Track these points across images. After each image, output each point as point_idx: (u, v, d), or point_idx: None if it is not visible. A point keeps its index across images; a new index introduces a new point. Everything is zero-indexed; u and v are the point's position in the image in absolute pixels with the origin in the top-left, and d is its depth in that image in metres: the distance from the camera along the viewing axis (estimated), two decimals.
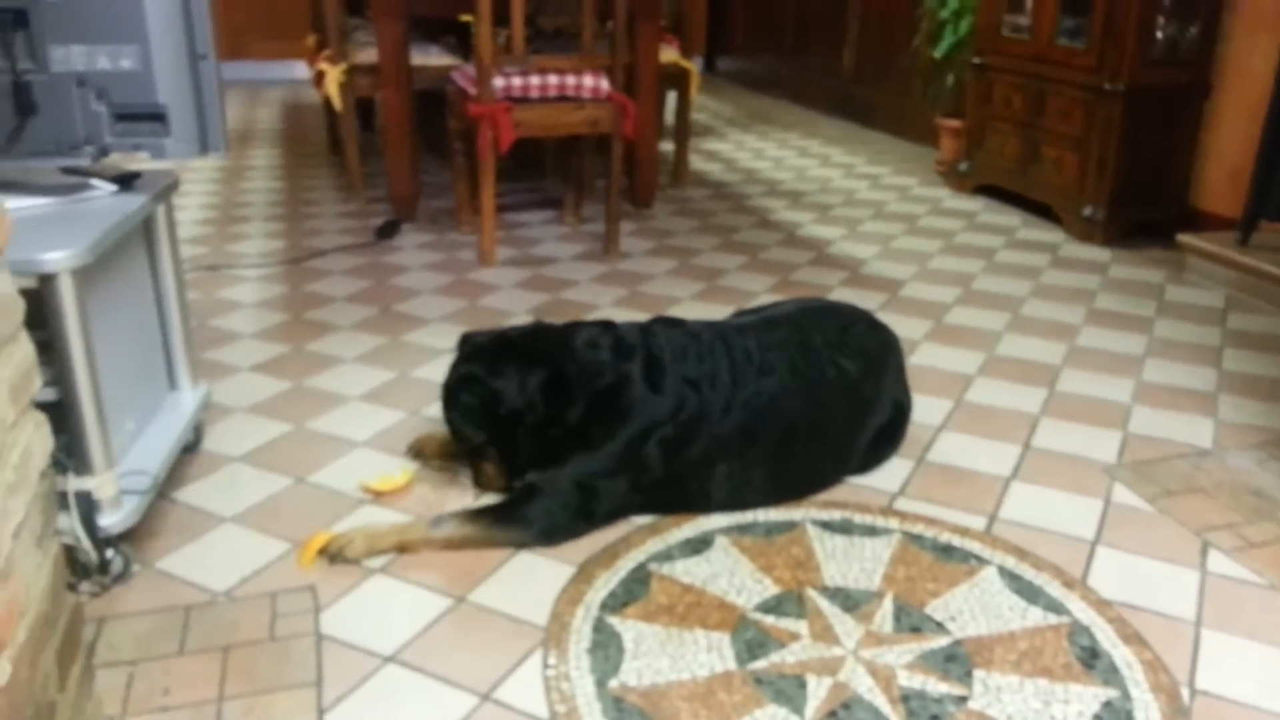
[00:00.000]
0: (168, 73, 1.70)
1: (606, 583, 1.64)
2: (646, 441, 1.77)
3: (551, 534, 1.73)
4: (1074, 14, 3.64)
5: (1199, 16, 3.47)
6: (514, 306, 2.87)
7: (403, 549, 1.69)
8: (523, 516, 1.73)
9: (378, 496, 1.87)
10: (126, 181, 1.75)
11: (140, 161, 1.79)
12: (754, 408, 1.83)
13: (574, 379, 1.77)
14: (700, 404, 1.80)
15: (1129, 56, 3.40)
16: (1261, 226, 3.12)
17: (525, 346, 1.82)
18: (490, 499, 1.86)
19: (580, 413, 1.76)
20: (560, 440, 1.76)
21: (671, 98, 4.23)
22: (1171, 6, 3.46)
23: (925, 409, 2.26)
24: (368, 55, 3.65)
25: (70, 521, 1.47)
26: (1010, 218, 3.88)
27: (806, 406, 1.87)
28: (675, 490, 1.82)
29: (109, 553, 1.56)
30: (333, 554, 1.66)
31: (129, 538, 1.63)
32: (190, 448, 1.98)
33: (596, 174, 3.85)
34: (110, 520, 1.55)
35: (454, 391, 1.81)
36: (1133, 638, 1.55)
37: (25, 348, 1.26)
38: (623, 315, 2.79)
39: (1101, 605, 1.63)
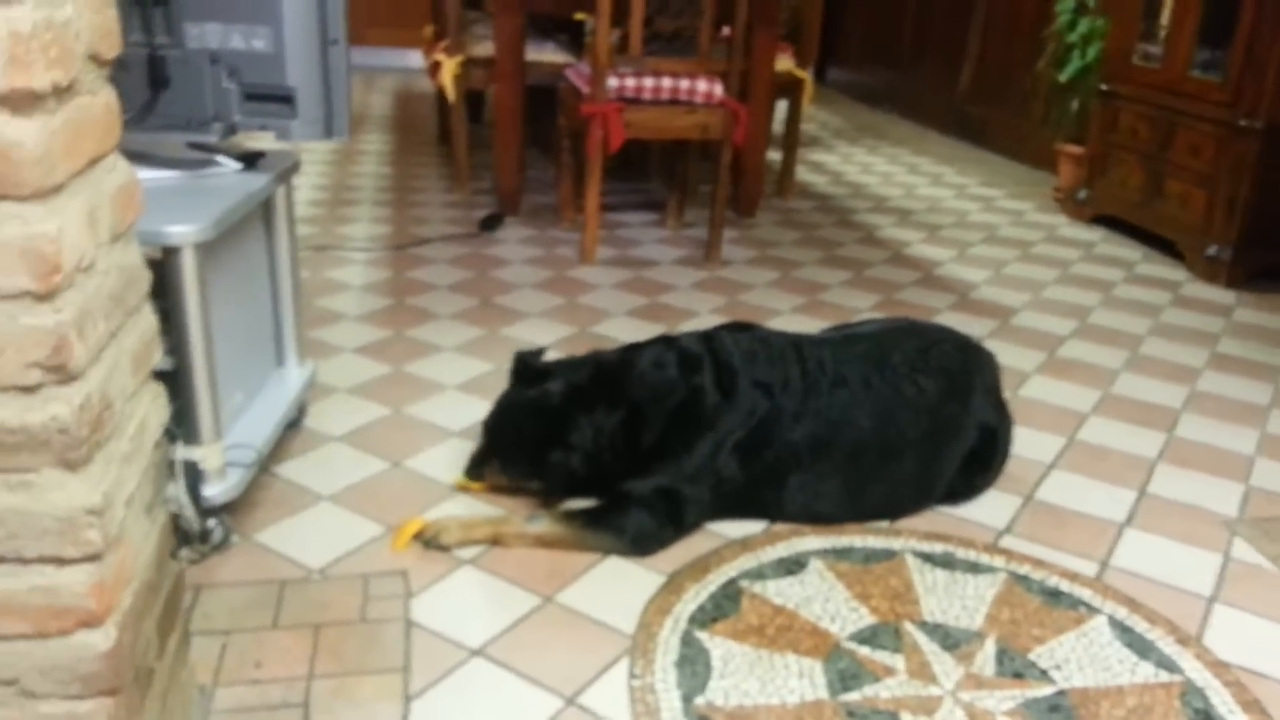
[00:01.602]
0: (298, 56, 1.72)
1: (696, 596, 1.60)
2: (724, 446, 1.75)
3: (642, 542, 1.71)
4: (1211, 46, 3.48)
5: None
6: (612, 307, 2.85)
7: (496, 541, 1.69)
8: (615, 523, 1.71)
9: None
10: (251, 160, 1.78)
11: (265, 141, 1.82)
12: (825, 418, 1.79)
13: (648, 407, 1.75)
14: (772, 407, 1.77)
15: (1269, 93, 3.23)
16: None
17: (598, 388, 1.78)
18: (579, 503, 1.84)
19: (658, 433, 1.74)
20: (641, 458, 1.75)
21: (781, 107, 4.18)
22: None
23: (1036, 445, 2.18)
24: (483, 49, 3.68)
25: (176, 490, 1.49)
26: (1130, 251, 3.72)
27: (879, 422, 1.81)
28: (751, 497, 1.79)
29: (210, 522, 1.59)
30: (427, 540, 1.66)
31: (229, 509, 1.65)
32: (293, 424, 2.01)
33: (700, 179, 3.81)
34: (214, 491, 1.58)
35: (536, 447, 1.77)
36: (1252, 705, 1.46)
37: (149, 319, 1.28)
38: (720, 322, 2.75)
39: (1218, 667, 1.54)
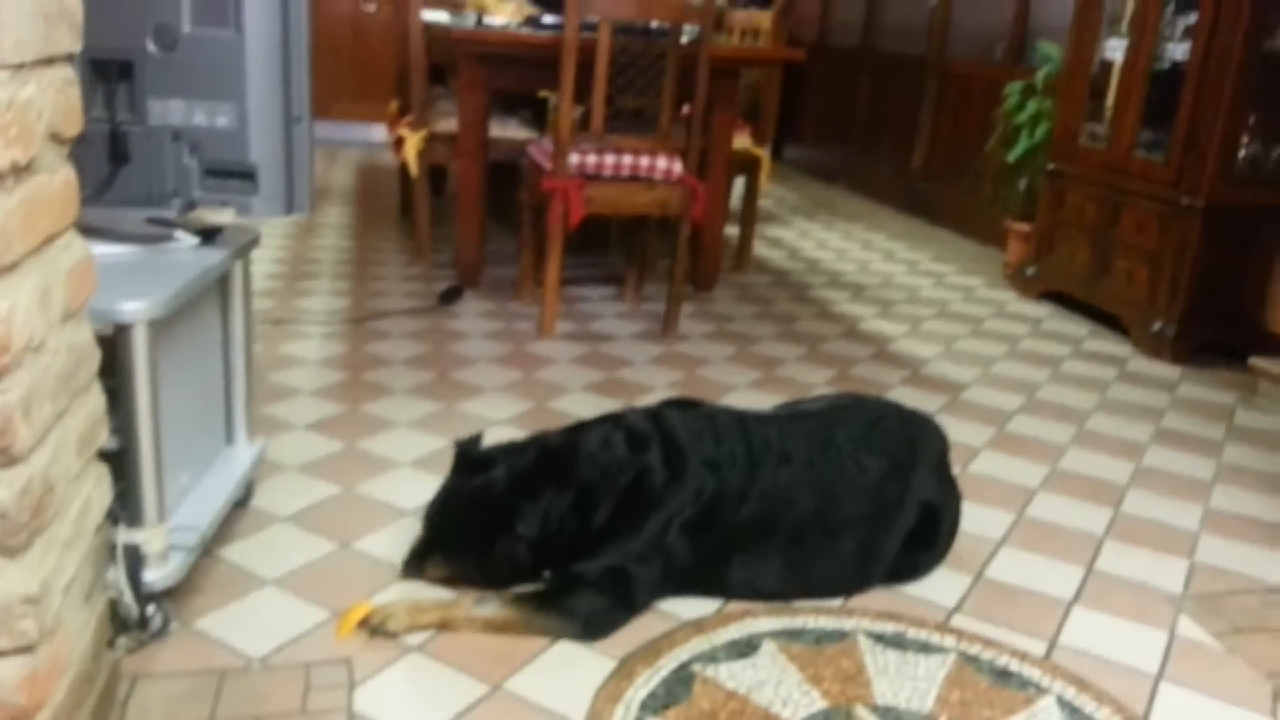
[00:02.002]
0: (262, 132, 1.74)
1: (648, 681, 1.59)
2: (672, 525, 1.75)
3: (594, 625, 1.69)
4: (1154, 127, 3.61)
5: None
6: (570, 382, 2.86)
7: (444, 626, 1.66)
8: (566, 606, 1.70)
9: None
10: (209, 235, 1.79)
11: (225, 216, 1.82)
12: (770, 497, 1.80)
13: (597, 488, 1.74)
14: (720, 485, 1.78)
15: (1210, 173, 3.36)
16: None
17: (539, 474, 1.77)
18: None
19: (606, 513, 1.74)
20: (590, 538, 1.74)
21: (740, 183, 4.26)
22: (1257, 126, 3.42)
23: (985, 521, 2.20)
24: (447, 124, 3.73)
25: (116, 575, 1.46)
26: (1077, 327, 3.81)
27: (822, 502, 1.83)
28: (698, 575, 1.80)
29: (150, 609, 1.55)
30: (373, 626, 1.63)
31: (170, 594, 1.62)
32: (241, 503, 1.98)
33: (659, 253, 3.87)
34: (156, 576, 1.55)
35: (481, 537, 1.75)
36: None
37: (97, 398, 1.27)
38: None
39: None
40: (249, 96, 1.71)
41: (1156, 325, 3.50)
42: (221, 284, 1.89)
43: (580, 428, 1.87)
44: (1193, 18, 3.44)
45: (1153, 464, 2.61)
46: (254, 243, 1.89)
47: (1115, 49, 3.78)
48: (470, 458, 1.83)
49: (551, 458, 1.80)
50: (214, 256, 1.72)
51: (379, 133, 6.20)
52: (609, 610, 1.71)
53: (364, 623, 1.64)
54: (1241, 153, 3.43)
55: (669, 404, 1.96)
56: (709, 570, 1.80)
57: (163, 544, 1.57)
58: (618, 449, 1.79)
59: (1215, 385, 3.27)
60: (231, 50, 1.69)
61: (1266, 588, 2.06)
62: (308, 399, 2.59)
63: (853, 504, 1.86)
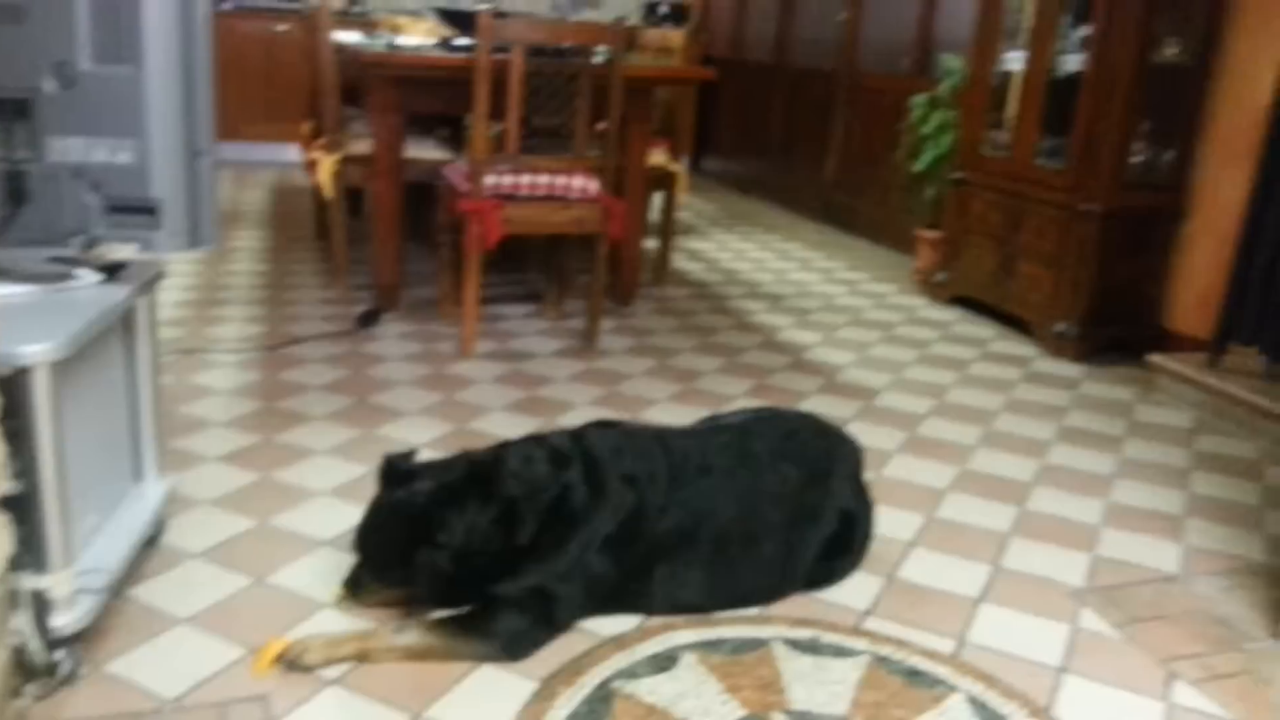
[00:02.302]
0: (164, 168, 1.72)
1: (569, 701, 1.61)
2: (593, 542, 1.78)
3: (515, 645, 1.71)
4: (1053, 136, 3.75)
5: (1174, 144, 3.59)
6: (491, 402, 2.87)
7: (362, 657, 1.66)
8: (486, 628, 1.71)
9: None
10: (112, 271, 1.76)
11: (128, 252, 1.80)
12: (690, 508, 1.84)
13: (520, 504, 1.76)
14: (639, 500, 1.81)
15: (1105, 179, 3.50)
16: (1230, 349, 3.18)
17: (468, 487, 1.78)
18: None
19: (530, 530, 1.75)
20: (513, 557, 1.75)
21: (658, 197, 4.31)
22: (1148, 133, 3.58)
23: (897, 524, 2.26)
24: (362, 146, 3.71)
25: (21, 622, 1.43)
26: (984, 330, 3.93)
27: (742, 510, 1.88)
28: (621, 590, 1.82)
29: (58, 654, 1.53)
30: (289, 661, 1.62)
31: (79, 638, 1.59)
32: (151, 541, 1.95)
33: (579, 269, 3.89)
34: (63, 621, 1.52)
35: (405, 552, 1.74)
36: None
37: None
38: (599, 414, 2.78)
39: None
40: (150, 132, 1.69)
41: (1059, 326, 3.63)
42: (125, 320, 1.86)
43: (504, 446, 1.89)
44: (1087, 30, 3.59)
45: (1056, 461, 2.71)
46: (158, 277, 1.87)
47: (1015, 60, 3.92)
48: (396, 472, 1.84)
49: (476, 473, 1.81)
50: (117, 293, 1.70)
51: (293, 153, 6.12)
52: (530, 630, 1.73)
53: (279, 658, 1.63)
54: (1135, 159, 3.58)
55: (591, 425, 1.99)
56: (632, 584, 1.83)
57: (70, 588, 1.55)
58: (540, 466, 1.81)
59: (1116, 382, 3.41)
60: (131, 87, 1.68)
61: (1163, 577, 2.16)
62: (220, 430, 2.55)
63: (772, 511, 1.91)
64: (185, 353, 3.08)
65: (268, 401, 2.75)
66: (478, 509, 1.75)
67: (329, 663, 1.64)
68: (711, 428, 2.08)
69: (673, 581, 1.84)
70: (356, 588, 1.80)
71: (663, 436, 1.94)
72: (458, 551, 1.73)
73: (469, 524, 1.74)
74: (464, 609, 1.77)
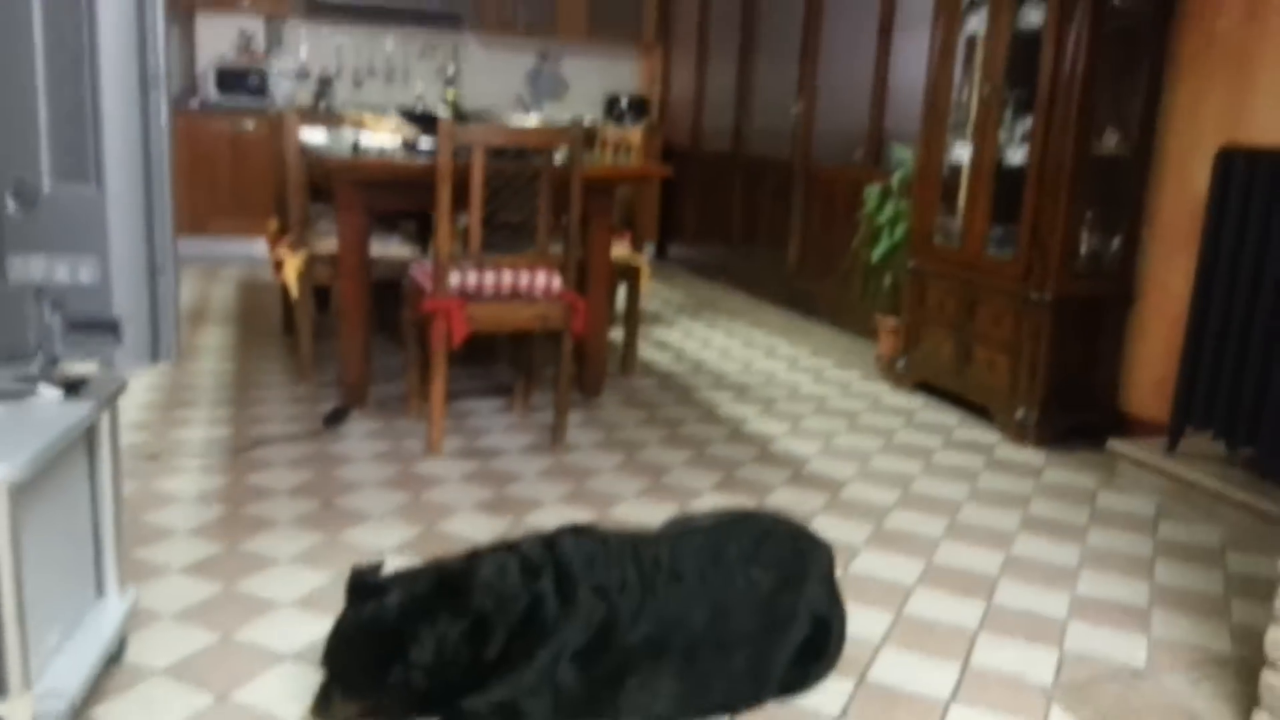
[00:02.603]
0: (125, 285, 1.74)
1: None
2: (563, 655, 1.76)
3: None
4: (1002, 225, 3.86)
5: (1120, 232, 3.70)
6: (459, 501, 2.86)
7: None
8: None
9: None
10: (73, 388, 1.76)
11: (89, 368, 1.80)
12: (661, 617, 1.83)
13: (492, 616, 1.75)
14: (610, 611, 1.80)
15: (1054, 268, 3.60)
16: (1188, 434, 3.24)
17: (438, 599, 1.77)
18: None
19: (501, 643, 1.74)
20: (482, 670, 1.74)
21: (624, 288, 4.37)
22: (1094, 222, 3.70)
23: (866, 622, 2.27)
24: (328, 245, 3.75)
25: None
26: (948, 416, 3.99)
27: (714, 618, 1.87)
28: (590, 702, 1.80)
29: None
30: None
31: None
32: (114, 658, 1.91)
33: (547, 361, 3.92)
34: None
35: (376, 667, 1.72)
36: None
37: None
38: (567, 513, 2.80)
39: None
40: (111, 251, 1.71)
41: (1019, 413, 3.70)
42: (88, 435, 1.86)
43: (476, 555, 1.87)
44: (1029, 122, 3.72)
45: (1021, 553, 2.74)
46: (120, 391, 1.87)
47: (962, 153, 4.05)
48: (365, 586, 1.82)
49: (447, 585, 1.80)
50: (79, 410, 1.70)
51: (260, 247, 6.15)
52: None
53: None
54: (1082, 247, 3.70)
55: (564, 531, 1.98)
56: (603, 695, 1.81)
57: (29, 713, 1.51)
58: (512, 577, 1.80)
59: (1078, 469, 3.46)
60: (93, 206, 1.70)
61: (1130, 672, 2.17)
62: (184, 539, 2.52)
63: (745, 618, 1.90)
64: (149, 458, 3.05)
65: (232, 507, 2.73)
66: (449, 622, 1.74)
67: None
68: (684, 530, 2.08)
69: (644, 693, 1.83)
70: (325, 707, 1.77)
71: (636, 543, 1.94)
72: (429, 667, 1.71)
73: (440, 638, 1.72)
74: None
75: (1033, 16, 3.69)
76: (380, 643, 1.74)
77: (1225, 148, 3.11)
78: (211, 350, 4.40)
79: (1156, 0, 3.54)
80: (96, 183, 1.74)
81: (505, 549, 1.89)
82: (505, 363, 4.31)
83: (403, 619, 1.74)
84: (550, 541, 1.90)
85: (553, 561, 1.83)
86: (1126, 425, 3.67)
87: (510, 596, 1.78)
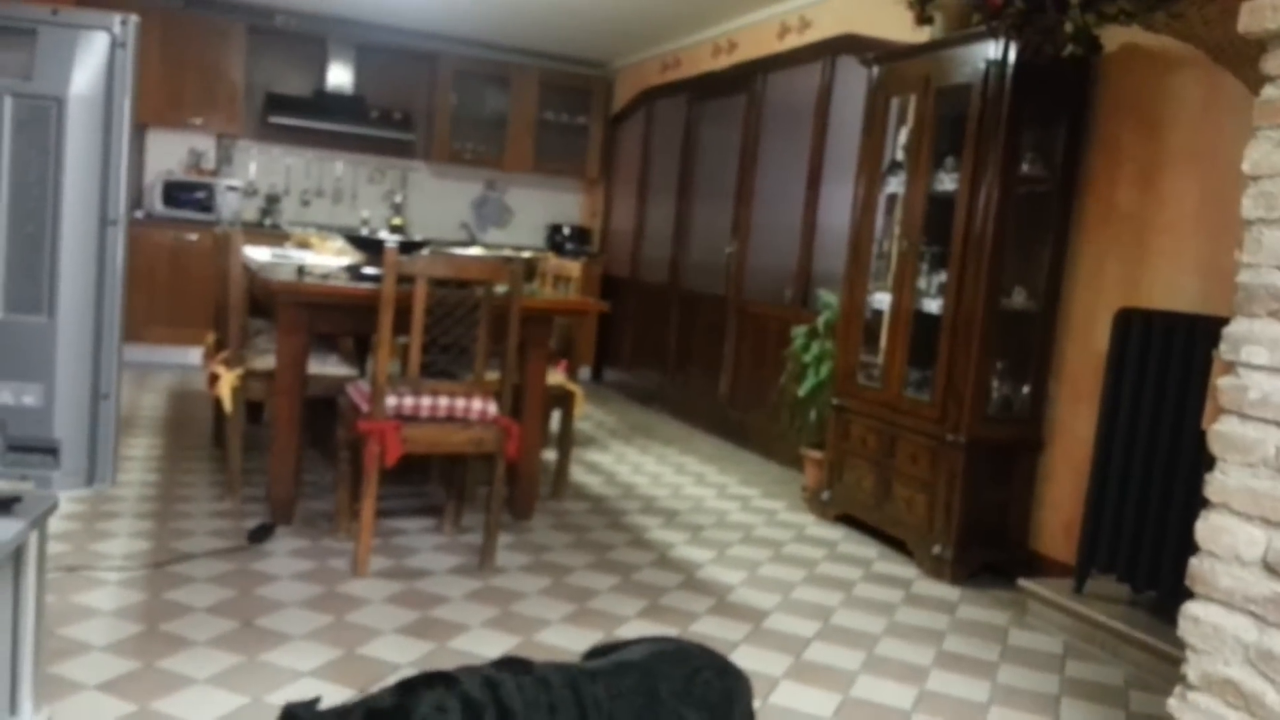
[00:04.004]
0: (68, 410, 1.78)
1: None
2: None
3: None
4: (920, 369, 4.06)
5: (1028, 381, 3.92)
6: (382, 624, 2.86)
7: None
8: None
9: None
10: (4, 506, 1.78)
11: (24, 487, 1.82)
12: None
13: None
14: None
15: (968, 412, 3.78)
16: (1094, 575, 3.38)
17: None
18: None
19: None
20: None
21: (558, 412, 4.46)
22: (1004, 370, 3.91)
23: None
24: (264, 362, 3.79)
25: None
26: (868, 549, 4.10)
27: None
28: None
29: None
30: None
31: None
32: None
33: (479, 481, 3.96)
34: None
35: None
36: None
37: None
38: (492, 636, 2.82)
39: None
40: (57, 377, 1.76)
41: (936, 548, 3.82)
42: (15, 555, 1.86)
43: (410, 690, 1.80)
44: (944, 276, 3.97)
45: (934, 688, 2.81)
46: (51, 510, 1.89)
47: (882, 301, 4.28)
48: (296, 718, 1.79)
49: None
50: (10, 528, 1.71)
51: (194, 356, 6.14)
52: None
53: None
54: (994, 394, 3.90)
55: (503, 665, 1.95)
56: None
57: None
58: (454, 712, 1.76)
59: (990, 605, 3.57)
60: (43, 335, 1.75)
61: None
62: (100, 655, 2.48)
63: None
64: (68, 570, 3.00)
65: (150, 624, 2.69)
66: None
67: None
68: (618, 665, 2.06)
69: None
70: None
71: (575, 684, 1.92)
72: None
73: None
74: None
75: (946, 181, 3.97)
76: None
77: (1123, 309, 3.35)
78: (139, 460, 4.36)
79: (1061, 170, 3.84)
80: (49, 314, 1.80)
81: (442, 685, 1.83)
82: (437, 482, 4.34)
83: None
84: (491, 680, 1.86)
85: (494, 703, 1.80)
86: (1037, 564, 3.81)
87: None
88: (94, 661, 2.45)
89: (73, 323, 1.80)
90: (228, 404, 3.77)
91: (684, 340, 6.81)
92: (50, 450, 1.79)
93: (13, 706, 1.91)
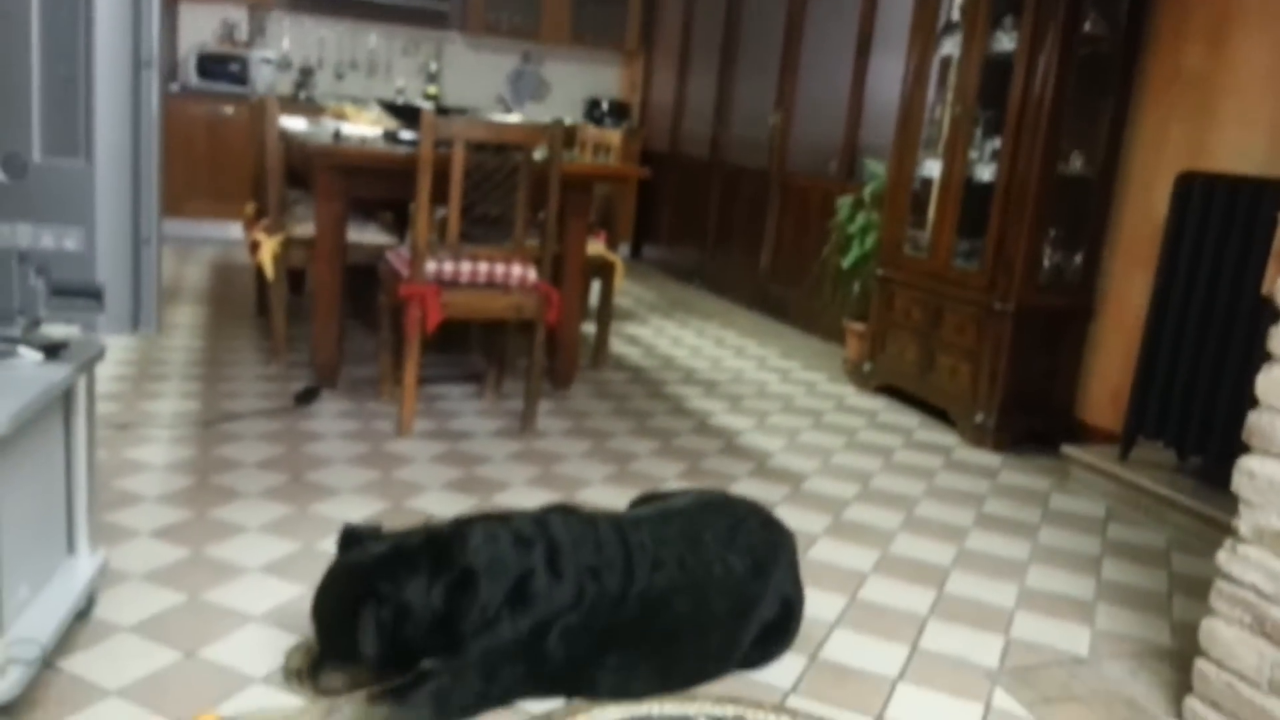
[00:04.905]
0: (109, 254, 1.78)
1: None
2: (550, 629, 1.80)
3: (449, 715, 1.73)
4: (969, 238, 3.96)
5: (1082, 249, 3.81)
6: (428, 480, 2.90)
7: None
8: (421, 698, 1.72)
9: None
10: (53, 351, 1.80)
11: (70, 333, 1.84)
12: (646, 601, 1.88)
13: (480, 578, 1.78)
14: (599, 592, 1.84)
15: (1018, 281, 3.70)
16: (1140, 442, 3.35)
17: (425, 552, 1.80)
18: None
19: (483, 608, 1.77)
20: (460, 634, 1.77)
21: (598, 284, 4.43)
22: (1057, 238, 3.81)
23: (820, 605, 2.34)
24: (304, 229, 3.78)
25: None
26: (909, 419, 4.08)
27: (692, 602, 1.93)
28: (570, 677, 1.85)
29: None
30: None
31: (8, 709, 1.58)
32: (82, 614, 1.95)
33: (519, 352, 3.96)
34: None
35: (354, 611, 1.73)
36: None
37: None
38: (535, 494, 2.85)
39: None
40: (97, 221, 1.75)
41: (979, 417, 3.79)
42: (65, 398, 1.89)
43: (467, 521, 1.89)
44: (998, 142, 3.83)
45: (974, 547, 2.82)
46: (99, 356, 1.90)
47: (932, 168, 4.15)
48: (354, 537, 1.86)
49: (436, 541, 1.83)
50: (58, 372, 1.73)
51: (235, 231, 6.15)
52: (466, 703, 1.75)
53: None
54: (1045, 262, 3.80)
55: (553, 510, 2.00)
56: (582, 674, 1.85)
57: (1, 658, 1.54)
58: (504, 545, 1.82)
59: (1033, 472, 3.56)
60: (81, 179, 1.74)
61: (1073, 659, 2.25)
62: (153, 505, 2.55)
63: (720, 602, 1.96)
64: (120, 428, 3.07)
65: (201, 477, 2.76)
66: (431, 573, 1.76)
67: None
68: (663, 512, 2.10)
69: (622, 673, 1.87)
70: (313, 675, 1.79)
71: (621, 526, 1.96)
72: (402, 609, 1.73)
73: (420, 586, 1.74)
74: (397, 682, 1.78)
75: (1005, 42, 3.80)
76: (361, 584, 1.75)
77: (1185, 172, 3.22)
78: (184, 328, 4.41)
79: (1125, 30, 3.65)
80: (86, 157, 1.78)
81: (496, 520, 1.91)
82: (477, 352, 4.35)
83: (382, 562, 1.77)
84: (540, 519, 1.93)
85: (544, 537, 1.86)
86: (1081, 433, 3.77)
87: (501, 561, 1.80)
88: (148, 511, 2.51)
89: (110, 166, 1.78)
90: (269, 270, 3.78)
91: (724, 216, 6.70)
92: (94, 294, 1.80)
93: (69, 546, 1.96)
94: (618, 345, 4.87)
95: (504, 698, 1.82)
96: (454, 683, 1.74)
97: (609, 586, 1.85)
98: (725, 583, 1.98)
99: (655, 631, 1.89)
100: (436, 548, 1.81)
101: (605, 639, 1.85)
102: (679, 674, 1.94)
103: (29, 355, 1.74)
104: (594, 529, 1.93)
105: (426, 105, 5.88)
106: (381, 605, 1.72)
